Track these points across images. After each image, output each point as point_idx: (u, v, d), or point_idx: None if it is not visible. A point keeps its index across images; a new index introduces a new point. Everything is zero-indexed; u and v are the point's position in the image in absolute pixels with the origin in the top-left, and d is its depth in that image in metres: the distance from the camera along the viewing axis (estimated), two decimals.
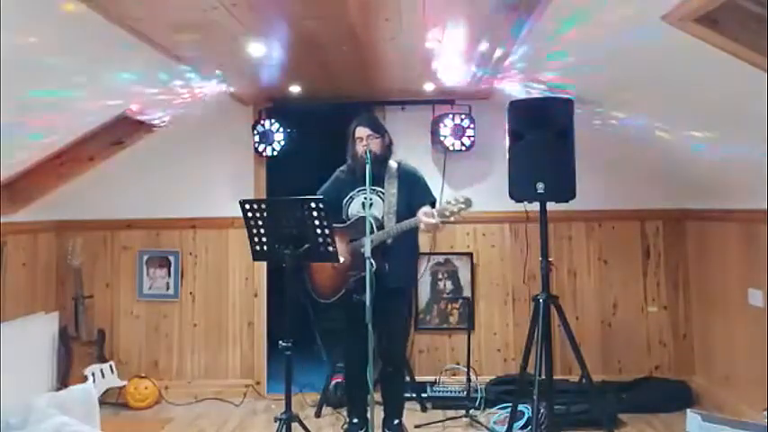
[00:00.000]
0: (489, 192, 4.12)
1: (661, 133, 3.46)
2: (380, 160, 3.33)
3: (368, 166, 3.05)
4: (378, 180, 3.30)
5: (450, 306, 4.44)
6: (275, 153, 4.27)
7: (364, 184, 3.09)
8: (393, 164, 3.43)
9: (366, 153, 3.16)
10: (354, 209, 3.38)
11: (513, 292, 4.43)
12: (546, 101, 3.40)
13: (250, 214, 2.80)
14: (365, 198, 3.22)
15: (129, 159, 4.37)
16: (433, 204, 3.36)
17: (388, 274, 3.15)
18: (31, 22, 2.29)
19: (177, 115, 4.20)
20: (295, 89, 4.05)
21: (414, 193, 3.37)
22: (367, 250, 2.82)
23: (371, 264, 2.81)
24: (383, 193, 3.34)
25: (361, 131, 3.33)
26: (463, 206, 3.07)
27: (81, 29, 2.49)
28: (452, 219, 3.12)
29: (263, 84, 3.88)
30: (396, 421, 3.50)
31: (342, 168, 3.51)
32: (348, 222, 3.36)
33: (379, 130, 3.38)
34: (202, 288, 4.52)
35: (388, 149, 3.41)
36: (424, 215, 3.10)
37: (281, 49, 3.08)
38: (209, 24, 2.61)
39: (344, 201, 3.42)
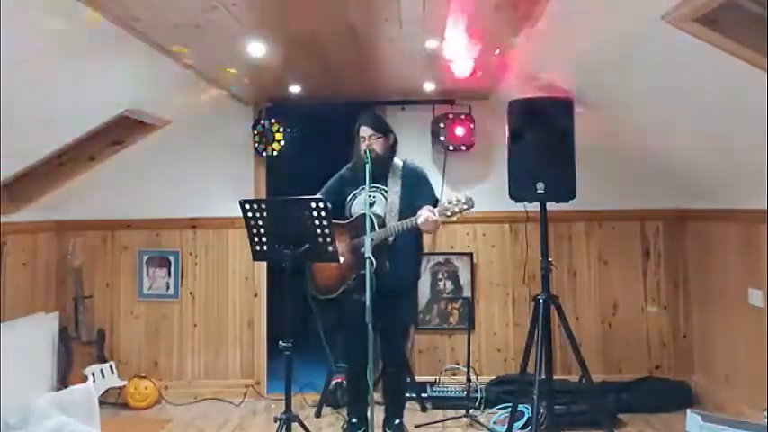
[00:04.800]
0: (489, 192, 4.11)
1: (661, 133, 3.47)
2: (383, 159, 3.32)
3: (367, 166, 3.04)
4: (381, 179, 3.31)
5: (450, 306, 4.44)
6: (275, 153, 4.27)
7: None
8: (398, 162, 3.43)
9: (366, 152, 3.16)
10: (357, 207, 3.37)
11: (513, 292, 4.43)
12: (546, 101, 3.40)
13: (250, 214, 2.80)
14: (365, 197, 3.22)
15: (129, 159, 4.36)
16: (435, 205, 3.35)
17: (389, 274, 3.14)
18: (30, 21, 2.29)
19: (177, 115, 4.21)
20: (295, 89, 4.05)
21: (416, 192, 3.35)
22: (367, 249, 2.81)
23: (372, 263, 2.81)
24: (386, 192, 3.34)
25: (364, 131, 3.33)
26: (465, 206, 3.07)
27: (80, 28, 2.49)
28: (454, 218, 3.12)
29: (263, 84, 3.88)
30: (396, 421, 3.49)
31: (347, 167, 3.51)
32: (349, 220, 3.35)
33: (381, 129, 3.37)
34: (202, 288, 4.52)
35: (391, 149, 3.41)
36: (427, 211, 3.09)
37: (281, 49, 3.08)
38: (209, 24, 2.61)
39: (347, 199, 3.41)
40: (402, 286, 3.38)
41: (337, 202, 3.34)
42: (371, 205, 3.21)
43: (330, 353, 4.15)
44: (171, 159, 4.50)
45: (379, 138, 3.33)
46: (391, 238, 3.26)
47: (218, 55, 3.14)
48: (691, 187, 3.99)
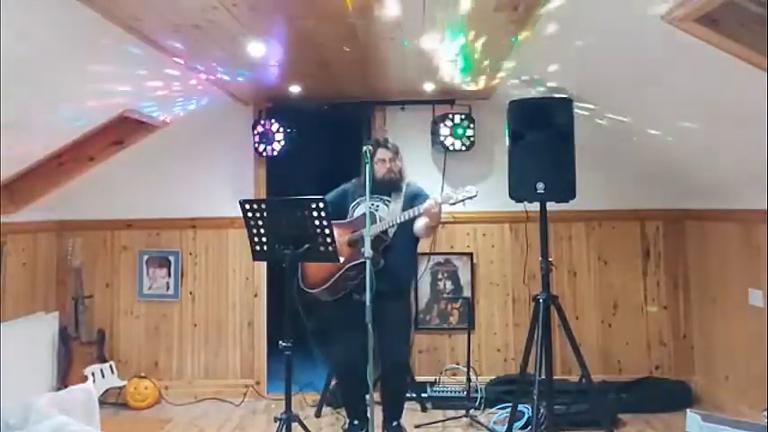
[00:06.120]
0: (489, 192, 4.11)
1: (661, 133, 3.46)
2: (396, 180, 3.43)
3: (367, 166, 3.04)
4: (386, 193, 3.42)
5: (450, 306, 4.44)
6: (275, 153, 4.27)
7: (373, 196, 3.14)
8: (402, 184, 3.51)
9: (365, 153, 3.16)
10: (360, 212, 3.43)
11: (513, 292, 4.43)
12: (546, 101, 3.40)
13: (250, 214, 2.80)
14: (366, 197, 3.23)
15: (129, 159, 4.37)
16: None
17: (386, 274, 3.15)
18: (30, 21, 2.29)
19: (177, 115, 4.21)
20: (295, 89, 4.05)
21: (415, 202, 3.40)
22: (367, 250, 2.82)
23: (371, 260, 2.81)
24: (389, 202, 3.42)
25: (384, 153, 3.43)
26: (467, 194, 3.10)
27: (81, 29, 2.49)
28: (456, 205, 3.15)
29: (263, 84, 3.88)
30: (395, 423, 3.49)
31: (354, 181, 3.57)
32: (351, 219, 3.42)
33: (398, 152, 3.49)
34: (202, 288, 4.52)
35: (401, 171, 3.50)
36: (431, 199, 3.13)
37: (281, 49, 3.09)
38: (209, 24, 2.61)
39: (351, 206, 3.48)
40: (398, 287, 3.39)
41: (341, 211, 3.44)
42: (376, 209, 3.24)
43: (321, 358, 4.15)
44: (171, 159, 4.50)
45: (396, 160, 3.44)
46: (390, 237, 3.30)
47: (218, 55, 3.14)
48: (691, 187, 3.99)
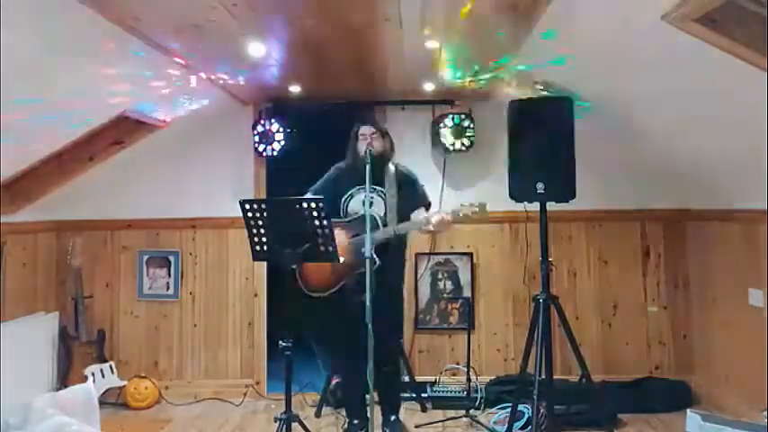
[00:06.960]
0: (489, 192, 4.10)
1: (661, 133, 3.47)
2: (382, 160, 3.36)
3: (368, 166, 3.05)
4: (378, 180, 3.33)
5: (450, 306, 4.43)
6: (275, 153, 4.27)
7: (364, 183, 3.09)
8: (391, 166, 3.46)
9: (367, 151, 3.17)
10: (354, 207, 3.39)
11: (513, 292, 4.43)
12: (546, 101, 3.40)
13: (250, 214, 2.80)
14: (366, 197, 3.22)
15: (129, 159, 4.36)
16: (428, 207, 3.39)
17: (383, 274, 3.15)
18: (29, 21, 2.29)
19: (177, 115, 4.20)
20: (295, 89, 4.05)
21: (411, 195, 3.40)
22: (368, 250, 2.82)
23: (374, 262, 2.81)
24: (384, 194, 3.36)
25: (365, 129, 3.38)
26: (477, 210, 3.11)
27: (81, 29, 2.49)
28: (465, 220, 3.17)
29: (263, 84, 3.88)
30: (392, 418, 3.50)
31: (340, 165, 3.52)
32: (349, 219, 3.38)
33: (381, 128, 3.44)
34: (202, 288, 4.51)
35: (390, 150, 3.45)
36: (439, 214, 3.15)
37: (281, 49, 3.09)
38: (209, 24, 2.61)
39: (343, 198, 3.43)
40: (391, 286, 3.40)
41: (330, 201, 3.33)
42: (370, 206, 3.22)
43: (323, 362, 4.14)
44: (171, 159, 4.50)
45: (379, 136, 3.37)
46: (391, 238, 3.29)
47: (218, 55, 3.14)
48: (691, 187, 3.99)
